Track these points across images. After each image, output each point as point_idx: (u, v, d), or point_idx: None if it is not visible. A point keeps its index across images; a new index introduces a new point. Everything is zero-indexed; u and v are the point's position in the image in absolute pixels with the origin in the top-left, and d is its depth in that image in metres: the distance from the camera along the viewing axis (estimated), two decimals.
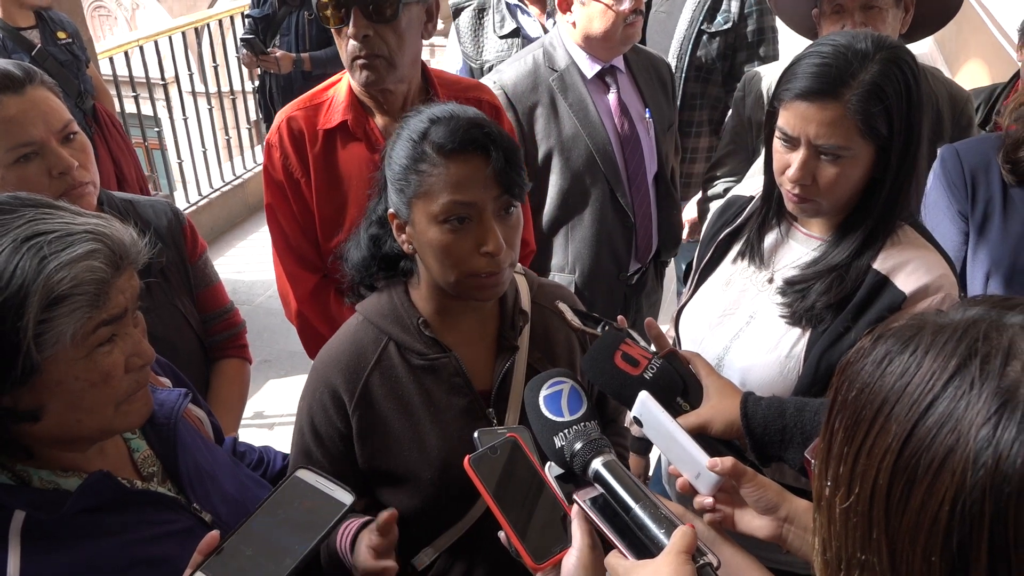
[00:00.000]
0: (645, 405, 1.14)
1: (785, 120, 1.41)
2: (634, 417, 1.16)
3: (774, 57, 2.89)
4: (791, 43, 2.29)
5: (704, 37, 2.85)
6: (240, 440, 1.59)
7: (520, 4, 2.99)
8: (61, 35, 3.52)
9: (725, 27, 2.84)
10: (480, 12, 3.02)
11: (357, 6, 1.77)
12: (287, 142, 1.96)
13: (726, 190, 2.49)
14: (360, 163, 1.93)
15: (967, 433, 0.56)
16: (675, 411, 1.25)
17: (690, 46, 2.87)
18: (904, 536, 0.58)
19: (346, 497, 1.09)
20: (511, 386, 1.41)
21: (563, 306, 1.40)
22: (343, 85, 1.98)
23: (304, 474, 1.12)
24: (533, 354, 1.44)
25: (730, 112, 2.59)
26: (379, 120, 1.97)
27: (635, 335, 1.31)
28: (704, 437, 1.26)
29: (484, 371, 1.42)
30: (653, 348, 1.35)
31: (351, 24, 1.79)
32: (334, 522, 1.06)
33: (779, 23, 2.90)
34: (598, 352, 1.25)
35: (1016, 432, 0.54)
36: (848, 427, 0.63)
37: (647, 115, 2.45)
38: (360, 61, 1.83)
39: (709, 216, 2.52)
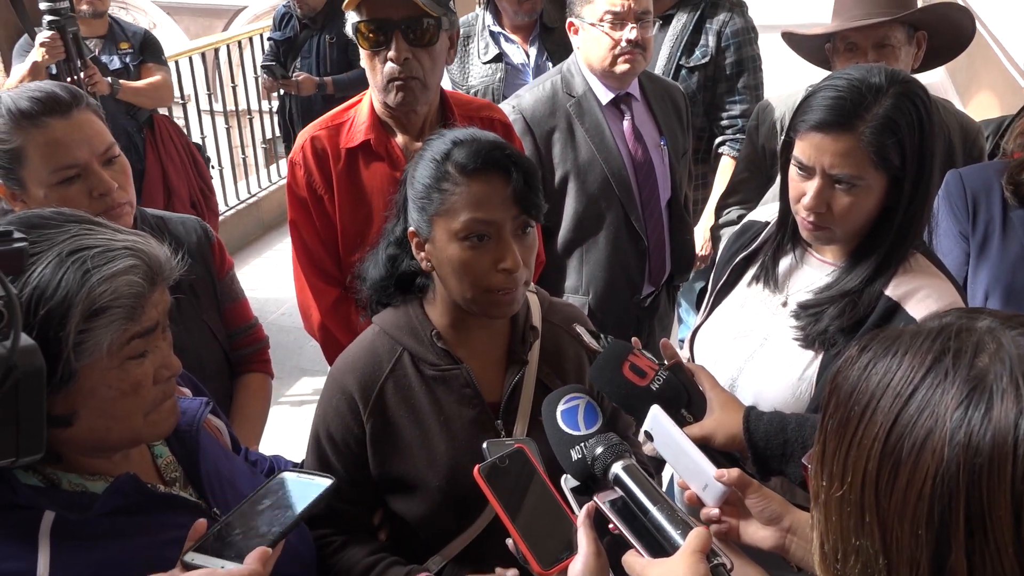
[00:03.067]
0: (657, 419, 1.16)
1: (801, 150, 1.45)
2: (645, 432, 1.18)
3: (755, 87, 2.93)
4: (788, 71, 2.34)
5: (683, 72, 2.90)
6: (251, 450, 1.62)
7: (503, 32, 3.10)
8: (123, 45, 3.61)
9: (703, 61, 2.89)
10: (466, 39, 3.14)
11: (399, 30, 1.84)
12: (311, 160, 2.00)
13: (740, 217, 2.51)
14: (382, 180, 1.98)
15: (943, 416, 0.63)
16: (679, 423, 1.28)
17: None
18: (893, 515, 0.64)
19: (327, 480, 1.15)
20: (520, 399, 1.44)
21: (581, 329, 1.43)
22: (364, 106, 2.03)
23: (288, 475, 1.17)
24: (542, 369, 1.47)
25: (744, 141, 2.62)
26: (400, 139, 2.01)
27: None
28: (707, 449, 1.28)
29: (494, 383, 1.45)
30: (660, 360, 1.38)
31: (392, 48, 1.86)
32: (318, 495, 1.13)
33: (765, 53, 2.95)
34: (606, 362, 1.28)
35: (984, 411, 0.62)
36: (839, 426, 0.69)
37: (662, 142, 2.48)
38: (397, 83, 1.89)
39: (724, 240, 2.56)
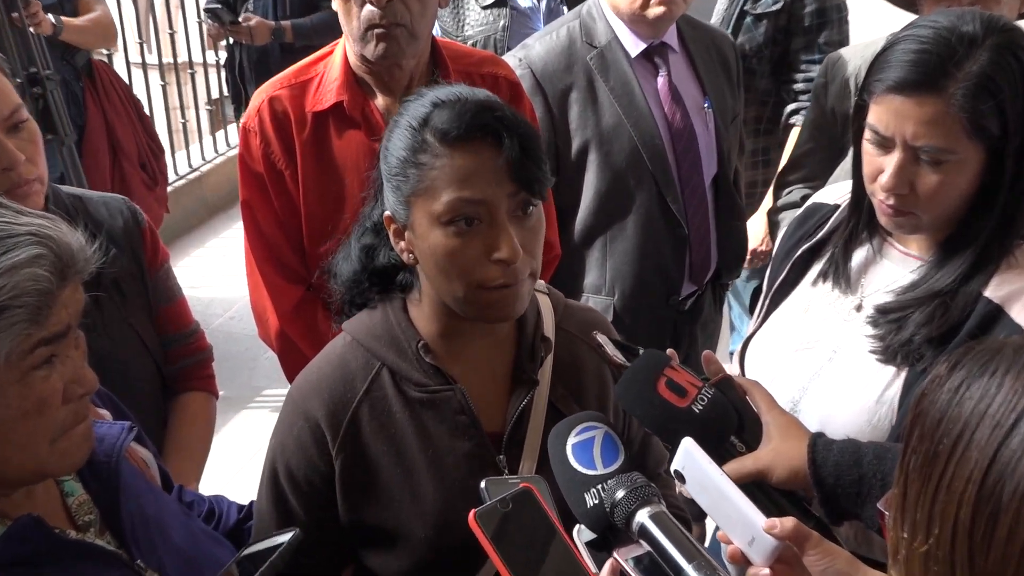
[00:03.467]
0: (690, 455, 1.16)
1: (877, 116, 1.44)
2: (675, 470, 1.18)
3: (839, 43, 2.91)
4: (875, 22, 2.34)
5: (747, 20, 2.89)
6: (187, 489, 1.62)
7: None
8: None
9: (774, 7, 2.88)
10: None
11: None
12: (269, 127, 2.01)
13: (803, 198, 2.52)
14: (357, 152, 1.99)
15: None
16: (728, 453, 1.28)
17: (729, 30, 2.90)
18: (991, 574, 0.63)
19: (287, 533, 1.17)
20: (527, 428, 1.44)
21: (602, 338, 1.43)
22: (336, 58, 2.03)
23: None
24: (556, 391, 1.47)
25: (809, 103, 2.62)
26: (380, 101, 2.02)
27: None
28: (761, 486, 1.27)
29: (495, 409, 1.45)
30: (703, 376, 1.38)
31: None
32: (279, 551, 1.17)
33: (853, 2, 2.93)
34: (637, 376, 1.28)
35: None
36: (925, 463, 0.69)
37: (705, 104, 2.49)
38: (378, 31, 1.90)
39: (783, 229, 2.55)
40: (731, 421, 1.31)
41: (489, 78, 2.09)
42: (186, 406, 1.95)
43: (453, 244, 1.30)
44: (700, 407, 1.27)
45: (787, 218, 2.52)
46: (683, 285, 2.54)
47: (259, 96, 2.04)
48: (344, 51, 2.03)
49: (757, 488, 1.30)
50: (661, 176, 2.40)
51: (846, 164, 2.36)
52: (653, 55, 2.43)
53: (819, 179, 2.52)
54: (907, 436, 0.72)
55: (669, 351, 1.38)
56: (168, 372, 1.93)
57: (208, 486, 1.98)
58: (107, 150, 3.58)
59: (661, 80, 2.43)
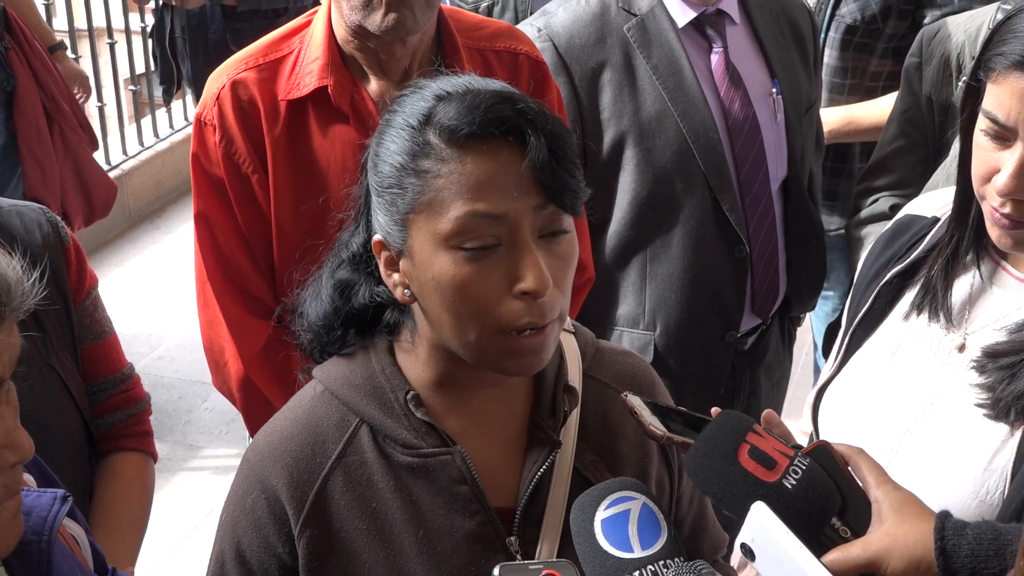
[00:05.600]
0: (761, 525, 1.18)
1: (996, 100, 1.47)
2: (742, 544, 1.21)
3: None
4: None
5: None
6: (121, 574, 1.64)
7: None
8: None
9: None
10: None
11: None
12: (231, 119, 2.03)
13: (893, 208, 2.55)
14: (343, 151, 2.01)
15: None
16: (828, 539, 1.28)
17: None
18: None
19: None
20: (547, 503, 1.45)
21: (634, 400, 1.41)
22: (317, 31, 2.05)
23: None
24: (583, 456, 1.48)
25: (901, 88, 2.66)
26: (373, 86, 2.04)
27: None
28: None
29: (506, 477, 1.46)
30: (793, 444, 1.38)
31: None
32: None
33: None
34: (714, 443, 1.28)
35: None
36: None
37: (773, 89, 2.52)
38: None
39: (867, 248, 2.53)
40: (832, 499, 1.29)
41: (506, 56, 2.11)
42: (119, 470, 1.96)
43: (464, 273, 1.29)
44: (792, 481, 1.25)
45: (872, 234, 2.54)
46: (743, 318, 2.55)
47: (218, 80, 2.06)
48: (327, 22, 2.04)
49: None
50: (716, 179, 2.42)
51: (947, 167, 2.37)
52: (706, 26, 2.45)
53: (912, 185, 2.54)
54: None
55: (714, 411, 1.38)
56: (96, 427, 1.94)
57: (138, 569, 2.00)
58: (43, 116, 3.64)
59: (716, 57, 2.45)
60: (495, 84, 1.37)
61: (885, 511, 1.31)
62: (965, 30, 2.44)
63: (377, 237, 1.39)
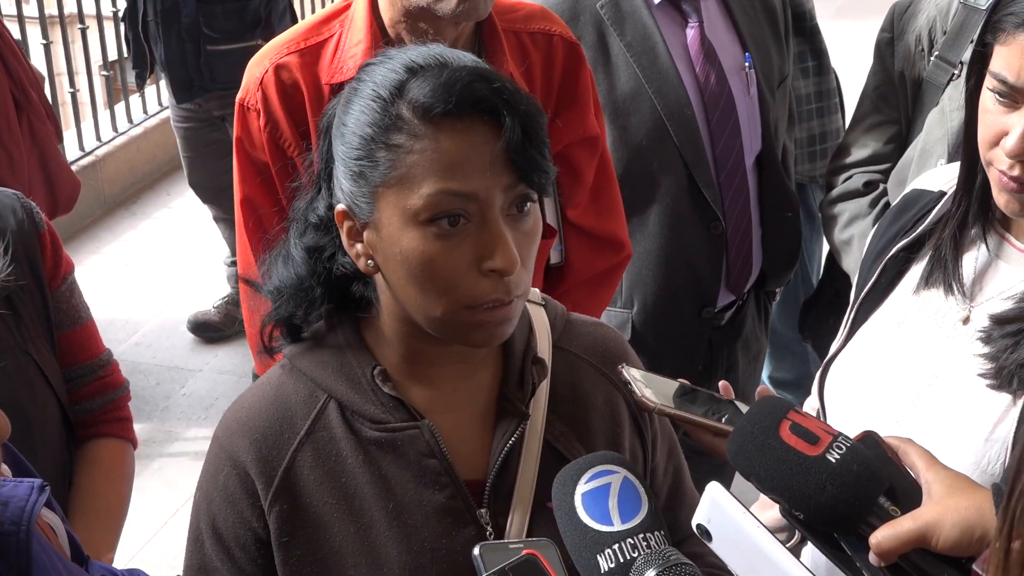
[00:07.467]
0: (717, 505, 1.15)
1: (1005, 62, 1.44)
2: (697, 525, 1.18)
3: None
4: None
5: None
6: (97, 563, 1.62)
7: None
8: None
9: None
10: None
11: None
12: (276, 102, 2.02)
13: (867, 184, 2.54)
14: None
15: None
16: (877, 518, 1.23)
17: None
18: None
19: None
20: (517, 474, 1.45)
21: (631, 373, 1.42)
22: (359, 14, 2.04)
23: None
24: (553, 427, 1.48)
25: (873, 62, 2.64)
26: None
27: None
28: (920, 559, 1.22)
29: (475, 450, 1.46)
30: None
31: None
32: None
33: None
34: (755, 422, 1.25)
35: None
36: None
37: (746, 62, 2.51)
38: None
39: (842, 224, 2.57)
40: (880, 477, 1.25)
41: (541, 38, 2.11)
42: (97, 457, 1.95)
43: (433, 249, 1.30)
44: (837, 455, 1.21)
45: (846, 211, 2.55)
46: (719, 294, 2.55)
47: (260, 64, 2.06)
48: (368, 4, 2.02)
49: (915, 558, 1.24)
50: (691, 155, 2.42)
51: (920, 143, 2.38)
52: (680, 1, 2.44)
53: (886, 162, 2.54)
54: (1013, 478, 0.72)
55: (722, 384, 1.37)
56: (73, 413, 1.92)
57: (124, 555, 1.99)
58: (12, 102, 3.59)
59: (691, 32, 2.44)
60: (468, 58, 1.36)
61: (936, 490, 1.26)
62: (936, 4, 2.42)
63: (340, 207, 1.38)
